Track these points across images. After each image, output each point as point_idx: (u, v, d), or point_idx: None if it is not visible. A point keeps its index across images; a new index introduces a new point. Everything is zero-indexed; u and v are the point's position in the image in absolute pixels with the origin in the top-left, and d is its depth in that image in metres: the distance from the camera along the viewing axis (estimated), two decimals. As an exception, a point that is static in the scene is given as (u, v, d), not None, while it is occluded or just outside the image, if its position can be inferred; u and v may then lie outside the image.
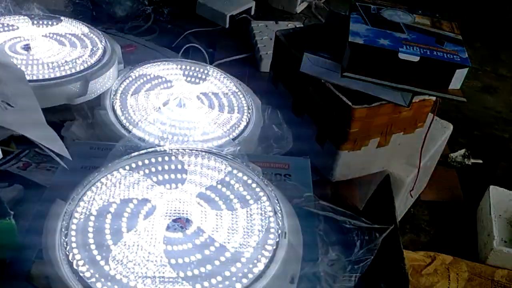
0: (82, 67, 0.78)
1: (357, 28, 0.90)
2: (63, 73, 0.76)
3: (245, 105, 0.83)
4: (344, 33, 0.96)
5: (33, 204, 0.65)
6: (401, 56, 0.84)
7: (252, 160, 0.67)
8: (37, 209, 0.60)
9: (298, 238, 0.54)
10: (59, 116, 0.77)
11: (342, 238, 0.58)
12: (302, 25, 1.64)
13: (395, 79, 0.86)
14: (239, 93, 0.85)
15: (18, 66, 0.73)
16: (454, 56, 0.85)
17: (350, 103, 0.85)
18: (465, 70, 0.84)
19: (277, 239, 0.52)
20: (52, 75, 0.75)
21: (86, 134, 0.77)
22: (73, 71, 0.77)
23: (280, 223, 0.54)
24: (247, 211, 0.55)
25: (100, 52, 0.82)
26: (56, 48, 0.81)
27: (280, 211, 0.55)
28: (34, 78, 0.74)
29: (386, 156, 0.99)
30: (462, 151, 1.54)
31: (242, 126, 0.78)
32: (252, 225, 0.54)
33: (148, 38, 1.38)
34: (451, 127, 1.17)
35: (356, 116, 0.86)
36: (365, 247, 0.56)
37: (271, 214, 0.55)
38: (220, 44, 1.51)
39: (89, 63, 0.79)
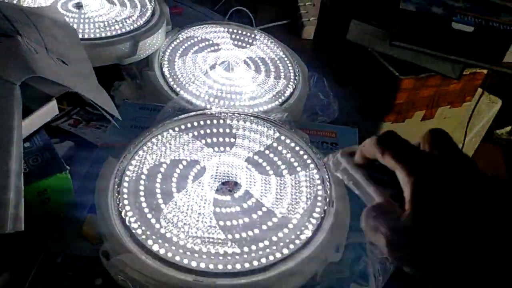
0: (132, 27, 0.78)
1: (409, -6, 0.87)
2: (114, 33, 0.76)
3: (291, 71, 0.82)
4: (395, 0, 0.93)
5: (84, 160, 0.67)
6: (455, 25, 0.80)
7: (299, 127, 0.67)
8: (89, 166, 0.62)
9: (345, 208, 0.53)
10: (108, 75, 0.78)
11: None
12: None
13: (446, 50, 0.83)
14: (286, 59, 0.84)
15: (71, 25, 0.74)
16: (511, 27, 0.81)
17: (397, 73, 0.83)
18: (522, 42, 0.80)
19: (325, 207, 0.52)
20: (103, 35, 0.75)
21: (135, 94, 0.78)
22: (123, 31, 0.77)
23: (328, 191, 0.54)
24: (295, 178, 0.55)
25: (149, 12, 0.82)
26: (107, 7, 0.82)
27: (328, 179, 0.55)
28: (86, 37, 0.74)
29: (430, 130, 0.97)
30: (509, 128, 1.49)
31: (288, 93, 0.77)
32: (299, 192, 0.54)
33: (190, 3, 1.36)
34: (500, 102, 1.13)
35: (403, 87, 0.84)
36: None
37: (319, 182, 0.55)
38: (262, 10, 1.48)
39: (138, 23, 0.79)
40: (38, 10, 0.71)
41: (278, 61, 0.83)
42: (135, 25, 0.79)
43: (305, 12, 1.46)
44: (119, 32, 0.77)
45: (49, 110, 0.55)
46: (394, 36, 0.84)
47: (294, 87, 0.78)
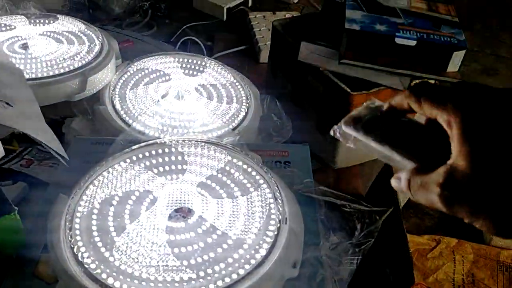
0: (80, 64, 0.78)
1: (353, 14, 0.90)
2: (62, 71, 0.76)
3: (243, 95, 0.83)
4: (341, 21, 0.96)
5: (38, 200, 0.66)
6: (398, 40, 0.84)
7: (251, 149, 0.68)
8: (41, 205, 0.61)
9: (299, 224, 0.54)
10: (59, 113, 0.78)
11: (343, 222, 0.58)
12: (299, 14, 1.65)
13: (392, 64, 0.86)
14: (237, 83, 0.85)
15: (17, 65, 0.74)
16: (451, 39, 0.85)
17: (348, 90, 0.85)
18: (463, 53, 0.84)
19: (278, 225, 0.53)
20: (51, 73, 0.75)
21: (87, 130, 0.77)
22: (72, 68, 0.77)
23: (281, 209, 0.54)
24: (247, 199, 0.56)
25: (97, 48, 0.83)
26: (54, 46, 0.82)
27: (280, 198, 0.55)
28: (33, 76, 0.74)
29: (387, 142, 0.99)
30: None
31: (241, 116, 0.78)
32: (253, 212, 0.54)
33: (147, 33, 1.38)
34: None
35: (355, 102, 0.86)
36: (366, 230, 0.56)
37: (272, 200, 0.56)
38: (218, 37, 1.50)
39: (87, 60, 0.80)
40: (-18, 53, 0.71)
41: (229, 86, 0.84)
42: (84, 62, 0.79)
43: (261, 37, 1.49)
44: (67, 69, 0.77)
45: (-6, 152, 0.54)
46: (342, 55, 0.87)
47: (246, 110, 0.80)
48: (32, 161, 0.74)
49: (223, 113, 0.79)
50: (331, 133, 0.42)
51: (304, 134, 1.01)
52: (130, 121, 0.74)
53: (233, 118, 0.78)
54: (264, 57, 1.42)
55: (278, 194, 0.56)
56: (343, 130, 0.40)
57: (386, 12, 0.91)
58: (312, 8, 1.86)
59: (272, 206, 0.55)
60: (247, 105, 0.81)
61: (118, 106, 0.76)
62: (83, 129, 0.77)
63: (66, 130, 0.77)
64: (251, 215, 0.54)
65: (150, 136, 0.71)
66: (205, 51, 1.11)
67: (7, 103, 0.62)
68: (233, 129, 0.76)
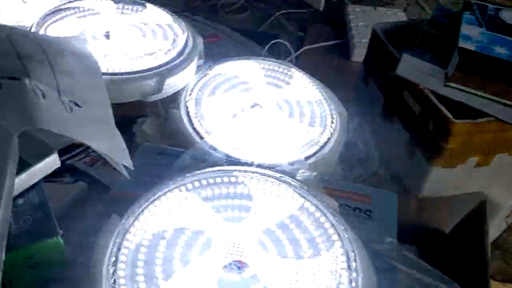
0: (160, 62, 0.74)
1: (470, 30, 0.81)
2: (140, 68, 0.72)
3: (328, 116, 0.75)
4: (453, 34, 0.86)
5: (96, 205, 0.63)
6: (520, 68, 0.72)
7: (328, 186, 0.60)
8: (95, 220, 0.57)
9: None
10: (131, 112, 0.74)
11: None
12: (403, 13, 1.54)
13: (508, 94, 0.76)
14: (323, 102, 0.77)
15: (95, 56, 0.70)
16: None
17: (450, 116, 0.76)
18: None
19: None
20: (129, 69, 0.71)
21: (157, 132, 0.74)
22: (151, 65, 0.73)
23: (354, 283, 0.46)
24: (315, 261, 0.48)
25: (180, 46, 0.78)
26: (136, 39, 0.78)
27: (355, 267, 0.47)
28: (110, 71, 0.71)
29: (485, 177, 0.89)
30: None
31: (322, 142, 0.71)
32: (318, 279, 0.46)
33: (240, 16, 1.37)
34: None
35: (456, 131, 0.77)
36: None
37: (345, 269, 0.47)
38: (312, 28, 1.46)
39: (168, 58, 0.75)
40: (62, 40, 0.68)
41: (314, 104, 0.77)
42: (164, 60, 0.74)
43: (357, 32, 1.42)
44: (145, 67, 0.72)
45: (49, 164, 0.51)
46: (450, 77, 0.78)
47: (329, 136, 0.72)
48: (97, 159, 0.71)
49: (302, 136, 0.72)
50: None
51: (390, 153, 0.93)
52: (202, 132, 0.69)
53: (312, 143, 0.71)
54: (357, 55, 1.34)
55: (353, 262, 0.47)
56: None
57: (510, 32, 0.81)
58: (419, 8, 1.71)
59: (344, 276, 0.46)
60: (331, 129, 0.73)
61: (192, 113, 0.72)
62: (154, 131, 0.74)
63: (136, 131, 0.74)
64: (316, 283, 0.46)
65: (220, 152, 0.66)
66: (292, 51, 1.04)
67: (76, 104, 0.58)
68: (312, 155, 0.69)
